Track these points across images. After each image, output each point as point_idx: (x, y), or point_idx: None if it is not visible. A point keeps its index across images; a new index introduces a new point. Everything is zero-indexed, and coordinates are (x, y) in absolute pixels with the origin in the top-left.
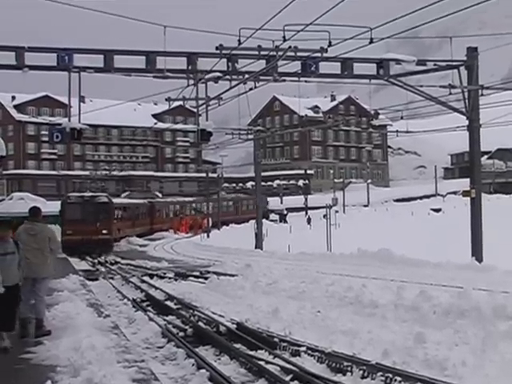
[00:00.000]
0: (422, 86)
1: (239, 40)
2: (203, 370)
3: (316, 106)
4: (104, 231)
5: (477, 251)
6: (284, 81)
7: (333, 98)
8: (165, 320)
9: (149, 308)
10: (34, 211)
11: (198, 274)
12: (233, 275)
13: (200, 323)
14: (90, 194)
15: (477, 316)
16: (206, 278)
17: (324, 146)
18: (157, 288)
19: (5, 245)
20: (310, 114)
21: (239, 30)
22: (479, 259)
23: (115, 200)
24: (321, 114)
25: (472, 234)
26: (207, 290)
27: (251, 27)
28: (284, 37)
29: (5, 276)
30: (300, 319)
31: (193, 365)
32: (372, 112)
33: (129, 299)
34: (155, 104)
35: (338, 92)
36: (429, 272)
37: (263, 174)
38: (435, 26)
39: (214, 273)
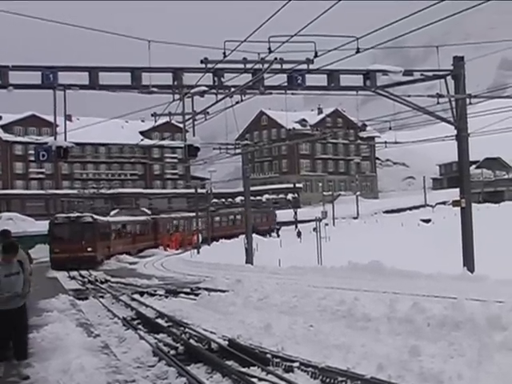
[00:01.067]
0: (409, 96)
1: (224, 53)
2: None
3: (303, 120)
4: (89, 249)
5: (468, 261)
6: (270, 93)
7: (320, 111)
8: (156, 338)
9: (139, 326)
10: (5, 234)
11: (188, 290)
12: (224, 291)
13: (191, 340)
14: (76, 214)
15: (471, 327)
16: (196, 295)
17: (312, 159)
18: (147, 306)
19: (10, 265)
20: (298, 127)
21: (224, 42)
22: (471, 269)
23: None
24: (308, 128)
25: (463, 244)
26: (198, 306)
27: (236, 39)
28: (269, 48)
29: (11, 298)
30: (292, 334)
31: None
32: (359, 124)
33: (119, 318)
34: (142, 121)
35: (325, 105)
36: (421, 283)
37: (252, 188)
38: (420, 38)
39: (205, 289)
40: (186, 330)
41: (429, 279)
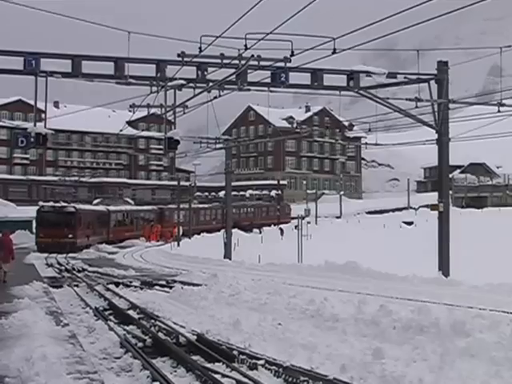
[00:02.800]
0: (388, 99)
1: (200, 47)
2: (157, 383)
3: (290, 117)
4: (70, 235)
5: (443, 265)
6: (249, 90)
7: (307, 109)
8: (125, 330)
9: (110, 317)
10: None
11: (163, 283)
12: (198, 285)
13: (160, 333)
14: (61, 204)
15: (436, 332)
16: (171, 288)
17: (298, 156)
18: (121, 297)
19: None
20: (285, 124)
21: (200, 37)
22: (446, 273)
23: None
24: (295, 125)
25: (439, 248)
26: (171, 299)
27: (213, 35)
28: (246, 45)
29: None
30: (260, 331)
31: (148, 377)
32: (346, 124)
33: (91, 308)
34: (130, 111)
35: (314, 103)
36: (394, 285)
37: (236, 183)
38: (411, 40)
39: (180, 282)
40: (156, 322)
41: (403, 282)
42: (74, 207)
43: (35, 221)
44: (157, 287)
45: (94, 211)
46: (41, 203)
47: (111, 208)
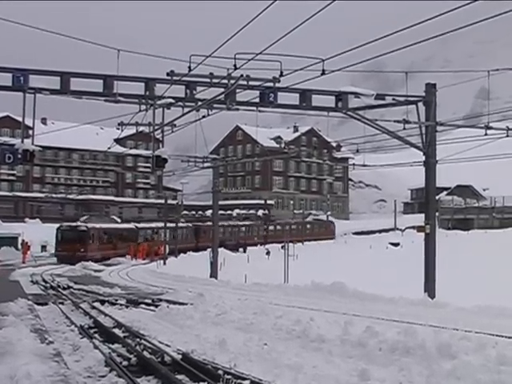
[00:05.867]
0: (376, 120)
1: (189, 67)
2: None
3: (278, 137)
4: (82, 249)
5: (429, 287)
6: (237, 109)
7: (295, 130)
8: (110, 348)
9: (96, 335)
10: None
11: (149, 301)
12: (184, 304)
13: (145, 352)
14: (75, 224)
15: (422, 354)
16: (157, 306)
17: (285, 176)
18: (106, 315)
19: None
20: (273, 144)
21: (190, 56)
22: (432, 295)
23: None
24: (283, 145)
25: (425, 270)
26: (156, 318)
27: (203, 54)
28: (235, 65)
29: None
30: (246, 351)
31: None
32: (334, 144)
33: (76, 325)
34: (118, 129)
35: (302, 123)
36: (380, 307)
37: (223, 202)
38: (401, 62)
39: (166, 301)
40: (142, 341)
41: (389, 303)
42: (86, 226)
43: (55, 237)
44: (142, 306)
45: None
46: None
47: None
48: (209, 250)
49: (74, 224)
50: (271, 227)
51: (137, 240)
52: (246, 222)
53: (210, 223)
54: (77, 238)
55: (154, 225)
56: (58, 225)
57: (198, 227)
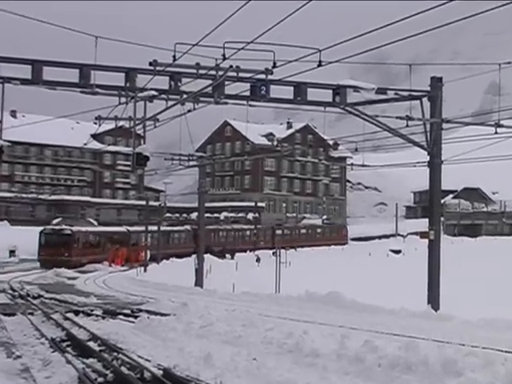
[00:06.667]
0: (377, 116)
1: (174, 56)
2: None
3: (271, 134)
4: (66, 254)
5: (433, 298)
6: (226, 103)
7: (289, 126)
8: (84, 363)
9: (68, 349)
10: None
11: (128, 312)
12: (166, 315)
13: (123, 368)
14: (59, 227)
15: (425, 371)
16: (136, 317)
17: (277, 176)
18: (81, 326)
19: None
20: (264, 141)
21: (174, 44)
22: (435, 307)
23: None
24: (275, 142)
25: (429, 280)
26: (136, 330)
27: (189, 42)
28: (224, 55)
29: None
30: (234, 367)
31: None
32: (331, 142)
33: (47, 338)
34: (95, 123)
35: (297, 119)
36: (380, 319)
37: (210, 204)
38: (406, 54)
39: (147, 311)
40: (119, 355)
41: (390, 315)
42: (70, 230)
43: (38, 241)
44: (120, 316)
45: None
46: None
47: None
48: (194, 256)
49: (58, 227)
50: (279, 231)
51: (129, 244)
52: (250, 226)
53: (211, 227)
54: (61, 241)
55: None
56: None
57: (196, 231)
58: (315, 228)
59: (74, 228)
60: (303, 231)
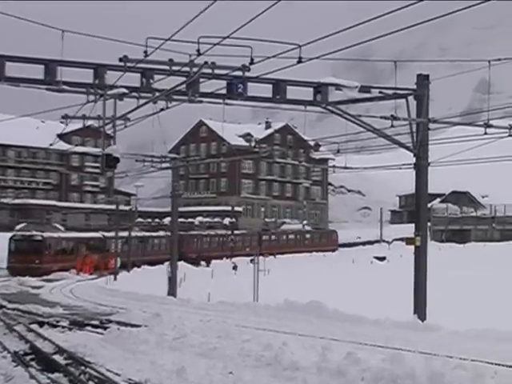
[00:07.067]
0: (360, 116)
1: (146, 51)
2: None
3: (248, 134)
4: (36, 261)
5: (420, 308)
6: (201, 102)
7: (268, 126)
8: (49, 378)
9: (32, 363)
10: None
11: (97, 323)
12: (137, 326)
13: (91, 383)
14: (30, 233)
15: None
16: (105, 329)
17: (255, 179)
18: (46, 339)
19: None
20: (241, 142)
21: (146, 39)
22: (422, 317)
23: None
24: (253, 143)
25: (415, 288)
26: (105, 342)
27: (161, 37)
28: (198, 50)
29: None
30: (209, 381)
31: None
32: (312, 143)
33: (9, 352)
34: (61, 122)
35: (276, 119)
36: (364, 330)
37: (184, 209)
38: (389, 49)
39: (117, 322)
40: (87, 369)
41: (374, 325)
42: (41, 236)
43: (8, 247)
44: (89, 328)
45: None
46: None
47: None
48: (166, 263)
49: (28, 233)
50: (265, 237)
51: (104, 251)
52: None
53: (195, 232)
54: (32, 248)
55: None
56: None
57: (182, 236)
58: (304, 233)
59: (46, 234)
60: (291, 237)
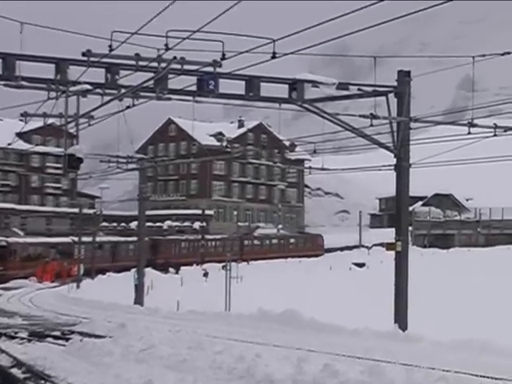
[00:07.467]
0: (338, 115)
1: (111, 45)
2: None
3: (220, 133)
4: (0, 268)
5: (400, 317)
6: (170, 99)
7: (241, 125)
8: None
9: None
10: None
11: (58, 334)
12: (101, 337)
13: None
14: None
15: None
16: (67, 340)
17: (228, 181)
18: (3, 351)
19: None
20: (213, 142)
21: (111, 32)
22: (403, 327)
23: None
24: (225, 143)
25: (396, 297)
26: (67, 354)
27: (128, 31)
28: (167, 45)
29: None
30: None
31: None
32: (287, 143)
33: None
34: (21, 120)
35: (249, 118)
36: (342, 340)
37: (152, 212)
38: (368, 44)
39: (79, 333)
40: (47, 383)
41: (352, 335)
42: (6, 241)
43: None
44: (49, 339)
45: None
46: None
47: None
48: (133, 269)
49: None
50: (247, 242)
51: (73, 256)
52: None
53: (171, 237)
54: None
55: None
56: None
57: (156, 241)
58: (288, 238)
59: (11, 239)
60: (275, 241)
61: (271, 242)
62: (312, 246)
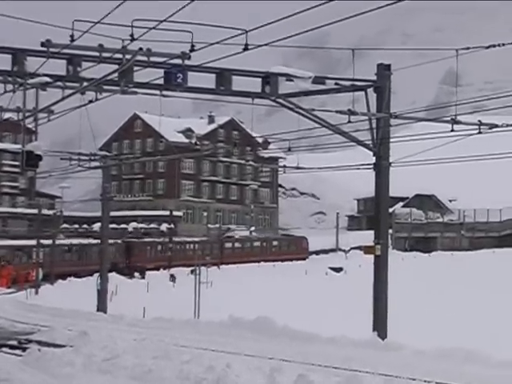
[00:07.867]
0: (314, 110)
1: (72, 35)
2: None
3: (189, 129)
4: None
5: (380, 324)
6: (135, 93)
7: (211, 120)
8: None
9: None
10: None
11: (15, 343)
12: (61, 346)
13: None
14: None
15: None
16: (24, 350)
17: (197, 180)
18: None
19: None
20: (181, 138)
21: (73, 22)
22: (382, 335)
23: None
24: (195, 140)
25: (375, 303)
26: (24, 365)
27: (90, 20)
28: (132, 35)
29: None
30: None
31: None
32: (260, 140)
33: None
34: None
35: (220, 113)
36: (317, 349)
37: (116, 213)
38: (347, 36)
39: (38, 342)
40: None
41: (328, 344)
42: None
43: None
44: (5, 349)
45: None
46: None
47: None
48: (96, 274)
49: None
50: (228, 244)
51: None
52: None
53: (147, 239)
54: None
55: (66, 241)
56: None
57: (130, 244)
58: (271, 241)
59: None
60: (256, 244)
61: (252, 244)
62: (296, 249)
